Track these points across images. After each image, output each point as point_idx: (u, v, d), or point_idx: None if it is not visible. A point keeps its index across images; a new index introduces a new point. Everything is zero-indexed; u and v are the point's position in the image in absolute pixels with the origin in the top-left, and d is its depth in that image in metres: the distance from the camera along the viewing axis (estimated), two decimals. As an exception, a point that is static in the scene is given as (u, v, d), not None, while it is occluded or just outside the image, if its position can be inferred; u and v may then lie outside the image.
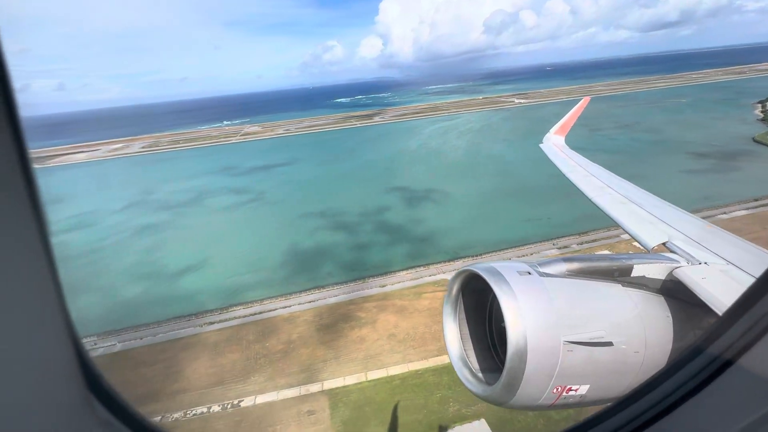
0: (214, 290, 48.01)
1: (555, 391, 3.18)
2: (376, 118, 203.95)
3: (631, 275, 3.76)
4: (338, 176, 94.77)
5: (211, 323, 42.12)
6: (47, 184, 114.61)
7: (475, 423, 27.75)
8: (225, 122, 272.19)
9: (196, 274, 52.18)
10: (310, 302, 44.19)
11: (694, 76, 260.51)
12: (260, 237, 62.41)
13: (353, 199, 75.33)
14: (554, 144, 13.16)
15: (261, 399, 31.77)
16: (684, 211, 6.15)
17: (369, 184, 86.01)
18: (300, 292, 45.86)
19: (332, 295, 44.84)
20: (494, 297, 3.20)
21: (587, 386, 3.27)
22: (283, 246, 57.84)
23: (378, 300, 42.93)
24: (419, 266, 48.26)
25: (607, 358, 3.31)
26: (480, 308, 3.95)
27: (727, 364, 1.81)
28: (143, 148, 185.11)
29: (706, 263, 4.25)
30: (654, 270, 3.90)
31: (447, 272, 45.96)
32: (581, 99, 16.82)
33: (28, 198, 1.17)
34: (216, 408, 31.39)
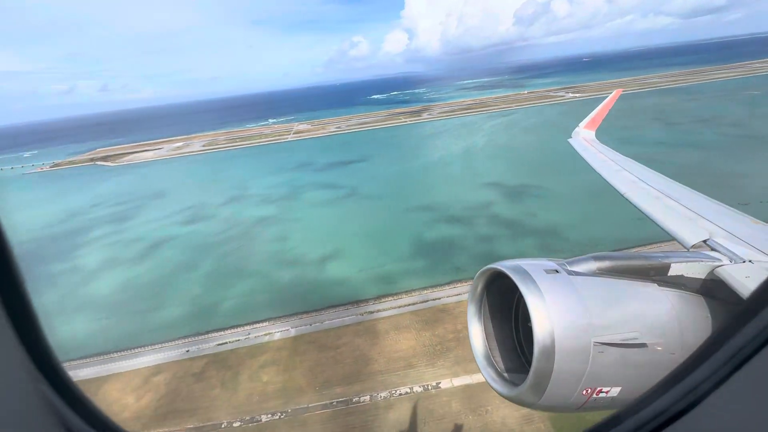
0: (357, 280, 51.00)
1: (585, 392, 3.13)
2: (425, 115, 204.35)
3: (668, 274, 3.65)
4: (419, 172, 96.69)
5: (371, 312, 45.01)
6: (135, 182, 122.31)
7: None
8: (270, 120, 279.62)
9: (336, 264, 55.31)
10: (457, 294, 46.32)
11: (756, 65, 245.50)
12: (379, 229, 65.06)
13: (450, 194, 77.07)
14: (584, 138, 12.66)
15: (457, 381, 34.12)
16: (726, 206, 5.87)
17: (456, 179, 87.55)
18: (444, 284, 48.04)
19: (478, 288, 46.80)
20: (520, 296, 3.19)
21: (619, 388, 3.21)
22: (407, 238, 60.33)
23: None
24: (556, 261, 49.55)
25: (641, 359, 3.23)
26: (506, 307, 3.91)
27: (747, 359, 1.78)
28: (204, 146, 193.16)
29: (750, 261, 4.01)
30: (693, 269, 3.75)
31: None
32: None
33: None
34: (417, 388, 33.97)
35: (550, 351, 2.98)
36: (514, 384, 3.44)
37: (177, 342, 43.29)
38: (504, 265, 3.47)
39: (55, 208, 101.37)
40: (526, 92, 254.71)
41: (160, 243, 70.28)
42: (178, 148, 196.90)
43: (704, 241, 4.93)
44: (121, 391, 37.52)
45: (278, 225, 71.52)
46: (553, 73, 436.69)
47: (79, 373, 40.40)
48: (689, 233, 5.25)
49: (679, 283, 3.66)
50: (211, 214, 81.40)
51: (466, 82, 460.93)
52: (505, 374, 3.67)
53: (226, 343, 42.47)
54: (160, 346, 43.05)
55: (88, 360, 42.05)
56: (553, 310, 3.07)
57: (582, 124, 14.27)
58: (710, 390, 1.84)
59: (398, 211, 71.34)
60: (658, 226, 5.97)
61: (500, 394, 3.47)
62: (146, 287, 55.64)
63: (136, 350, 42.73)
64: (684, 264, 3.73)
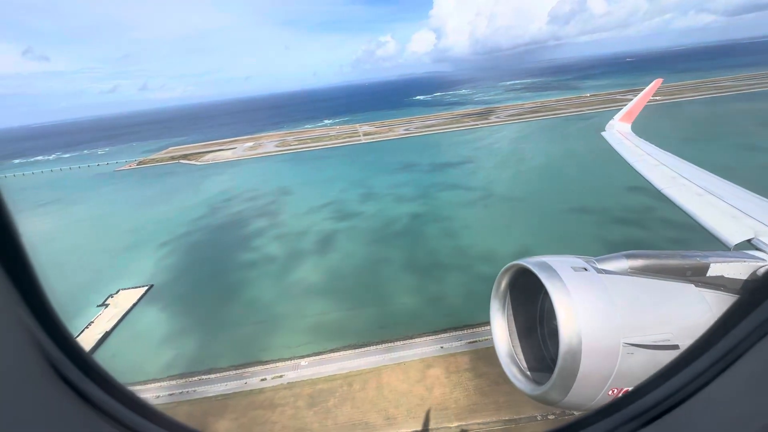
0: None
1: (611, 393, 3.09)
2: (492, 118, 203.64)
3: (707, 275, 3.52)
4: (541, 175, 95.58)
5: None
6: (242, 179, 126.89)
7: None
8: (327, 121, 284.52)
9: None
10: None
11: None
12: (554, 229, 65.06)
13: (594, 197, 75.91)
14: (619, 131, 12.14)
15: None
16: None
17: (586, 182, 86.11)
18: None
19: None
20: (546, 293, 3.15)
21: None
22: (591, 239, 59.83)
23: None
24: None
25: None
26: (530, 304, 3.86)
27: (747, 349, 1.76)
28: (277, 146, 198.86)
29: None
30: (735, 269, 3.61)
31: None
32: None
33: None
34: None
35: (576, 350, 2.96)
36: (537, 383, 3.43)
37: (425, 338, 45.77)
38: (529, 262, 3.47)
39: (190, 202, 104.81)
40: (588, 95, 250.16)
41: (328, 236, 71.83)
42: (252, 147, 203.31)
43: (749, 241, 4.80)
44: (404, 382, 40.17)
45: (437, 223, 72.27)
46: (600, 74, 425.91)
47: (348, 364, 43.33)
48: (733, 232, 5.09)
49: (719, 284, 3.56)
50: (356, 211, 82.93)
51: (509, 83, 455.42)
52: (529, 372, 3.67)
53: (475, 341, 44.68)
54: (410, 341, 45.66)
55: (358, 350, 44.93)
56: (581, 309, 3.04)
57: (617, 116, 13.71)
58: (710, 380, 1.85)
59: (553, 213, 71.39)
60: (699, 224, 5.77)
61: (523, 393, 3.48)
62: (354, 278, 57.20)
63: (390, 344, 45.44)
64: (725, 264, 3.62)
